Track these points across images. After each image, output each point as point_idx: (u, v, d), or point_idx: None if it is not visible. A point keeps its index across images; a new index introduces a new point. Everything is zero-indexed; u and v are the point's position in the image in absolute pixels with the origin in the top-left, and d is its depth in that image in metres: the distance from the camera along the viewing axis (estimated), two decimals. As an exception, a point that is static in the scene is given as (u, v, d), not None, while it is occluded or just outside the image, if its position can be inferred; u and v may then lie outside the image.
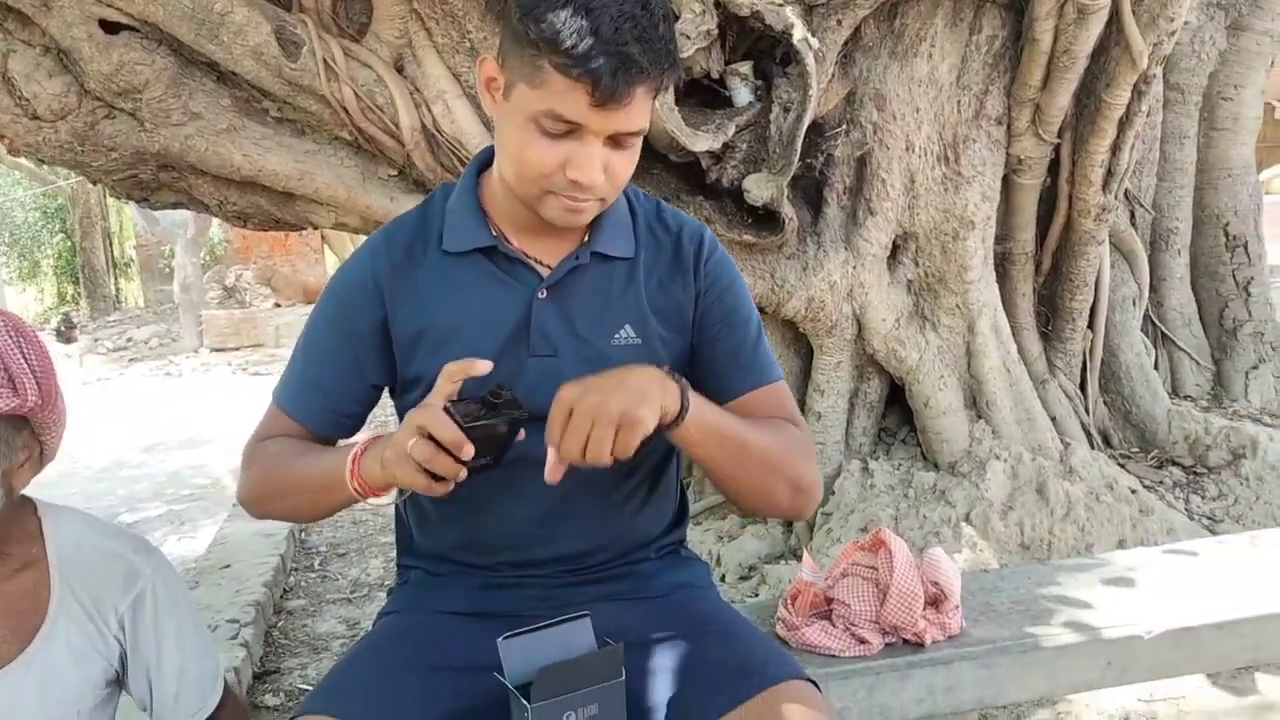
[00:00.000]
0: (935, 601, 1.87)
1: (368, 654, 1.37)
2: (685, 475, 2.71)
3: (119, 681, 1.37)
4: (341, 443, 1.44)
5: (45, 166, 16.41)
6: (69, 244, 16.85)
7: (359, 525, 4.57)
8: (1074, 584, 2.08)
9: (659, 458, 1.51)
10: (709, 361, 1.50)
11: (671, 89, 2.69)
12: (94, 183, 3.25)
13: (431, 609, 1.42)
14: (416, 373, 1.40)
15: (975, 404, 3.25)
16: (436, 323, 1.37)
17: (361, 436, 1.32)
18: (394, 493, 1.55)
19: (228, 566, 3.57)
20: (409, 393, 1.42)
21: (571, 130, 1.23)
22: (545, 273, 1.40)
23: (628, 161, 1.30)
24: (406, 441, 1.12)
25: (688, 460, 1.70)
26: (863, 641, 1.85)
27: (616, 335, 1.40)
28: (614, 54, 1.17)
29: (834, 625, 1.88)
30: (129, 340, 13.38)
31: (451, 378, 1.18)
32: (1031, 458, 3.11)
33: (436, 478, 1.13)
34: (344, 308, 1.42)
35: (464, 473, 1.13)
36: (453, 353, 1.30)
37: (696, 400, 1.27)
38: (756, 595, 3.01)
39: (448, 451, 1.12)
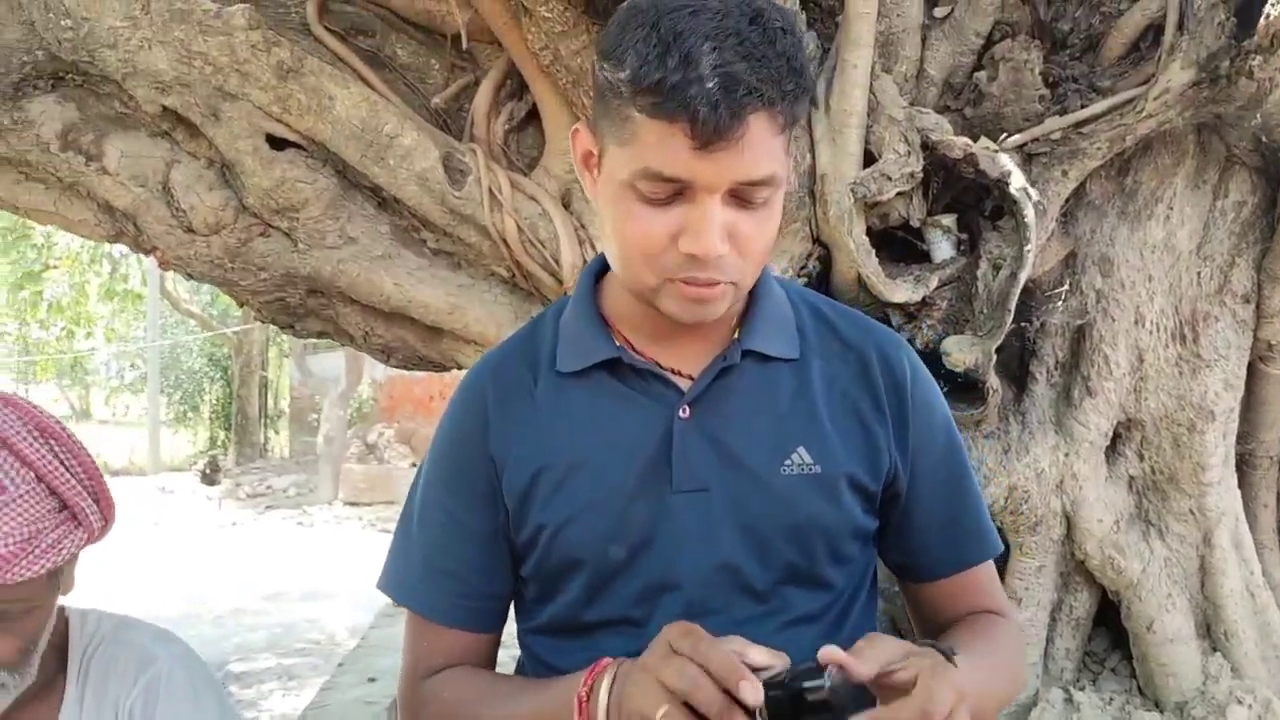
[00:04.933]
0: None
1: None
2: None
3: None
4: (543, 684, 1.07)
5: (216, 315, 17.33)
6: (228, 391, 17.50)
7: None
8: None
9: (851, 634, 1.13)
10: (917, 527, 1.13)
11: (864, 227, 2.39)
12: (241, 304, 3.13)
13: None
14: (536, 525, 1.06)
15: (1210, 633, 2.70)
16: (555, 460, 1.05)
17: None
18: None
19: (321, 736, 3.22)
20: (526, 557, 1.09)
21: (679, 190, 0.92)
22: (686, 385, 1.07)
23: (761, 226, 0.97)
24: (655, 690, 0.85)
25: None
26: None
27: (787, 461, 1.05)
28: (714, 77, 0.86)
29: None
30: (268, 487, 13.59)
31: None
32: (1284, 706, 2.53)
33: None
34: (458, 463, 1.11)
35: None
36: (575, 493, 1.02)
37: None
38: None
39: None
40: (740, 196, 0.94)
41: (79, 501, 1.04)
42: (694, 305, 0.98)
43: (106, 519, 1.09)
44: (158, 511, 12.18)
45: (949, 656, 0.87)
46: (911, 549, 1.16)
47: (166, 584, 7.77)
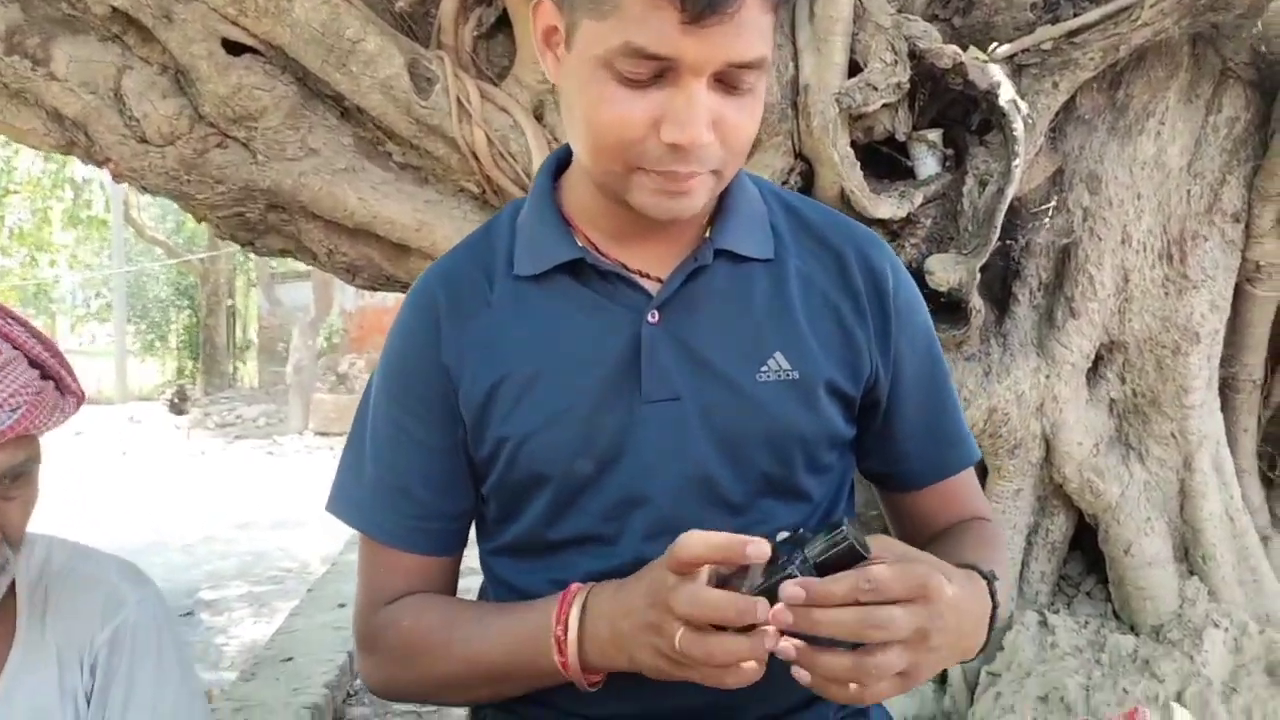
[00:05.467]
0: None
1: None
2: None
3: None
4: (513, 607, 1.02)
5: (182, 243, 17.04)
6: (195, 320, 17.28)
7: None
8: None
9: None
10: (898, 435, 1.07)
11: (848, 140, 2.30)
12: (199, 220, 3.00)
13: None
14: (496, 439, 0.99)
15: (1188, 557, 2.69)
16: (515, 370, 0.99)
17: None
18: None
19: (289, 660, 3.18)
20: (487, 474, 1.02)
21: (661, 71, 0.84)
22: (654, 288, 1.00)
23: (747, 113, 0.89)
24: (667, 641, 0.81)
25: None
26: None
27: (764, 367, 0.99)
28: None
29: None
30: (238, 417, 13.49)
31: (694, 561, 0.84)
32: (1259, 629, 2.52)
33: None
34: (409, 376, 1.04)
35: (773, 641, 0.78)
36: (538, 405, 0.95)
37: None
38: None
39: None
40: (726, 81, 0.86)
41: (60, 370, 1.03)
42: (670, 199, 0.90)
43: (80, 395, 1.07)
44: (126, 441, 12.09)
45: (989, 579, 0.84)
46: (892, 458, 1.10)
47: (135, 513, 7.71)
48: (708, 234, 1.02)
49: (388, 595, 1.06)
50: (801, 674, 0.79)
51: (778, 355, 1.00)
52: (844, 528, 0.79)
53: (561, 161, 1.07)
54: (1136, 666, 2.48)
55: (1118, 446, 2.69)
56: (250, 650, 3.67)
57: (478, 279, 1.04)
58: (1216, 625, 2.52)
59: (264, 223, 2.93)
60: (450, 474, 1.04)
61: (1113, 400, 2.69)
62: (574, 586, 0.92)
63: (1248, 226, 2.59)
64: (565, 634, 0.89)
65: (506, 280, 1.03)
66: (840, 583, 0.76)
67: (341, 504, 1.09)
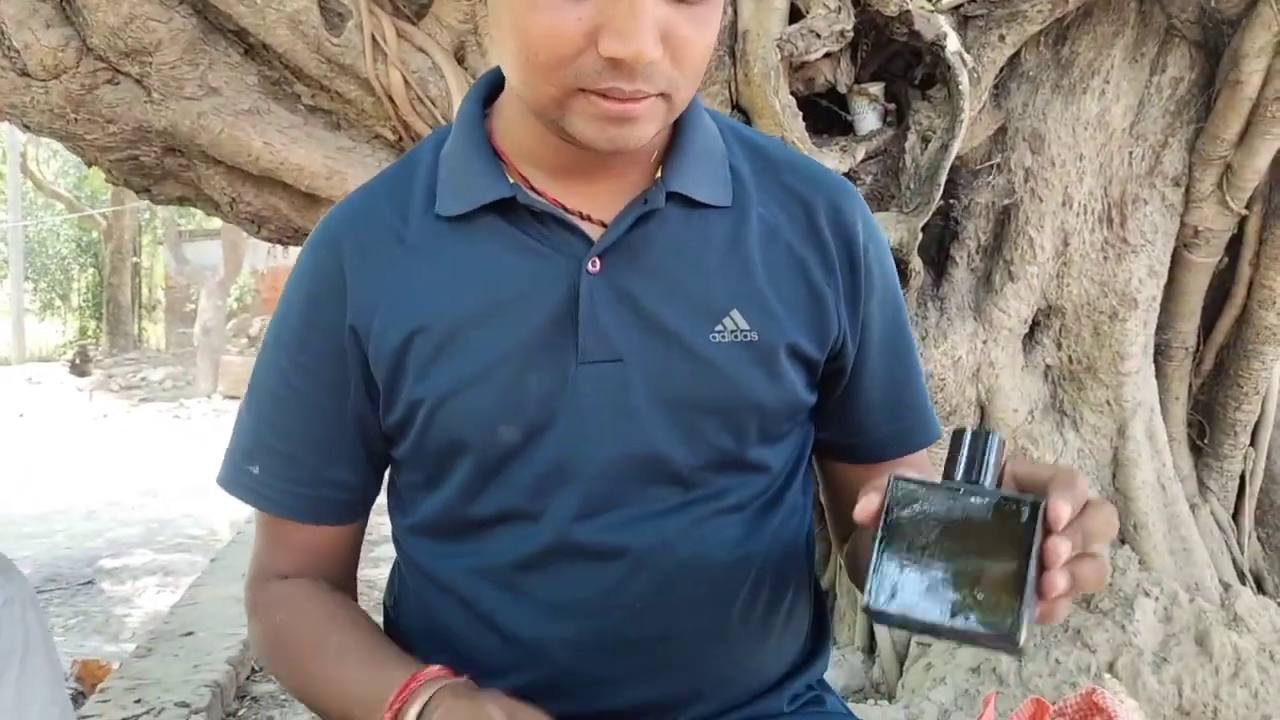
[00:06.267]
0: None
1: None
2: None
3: None
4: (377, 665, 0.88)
5: (84, 198, 16.35)
6: (98, 278, 16.65)
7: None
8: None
9: (784, 519, 0.96)
10: (862, 403, 0.96)
11: (787, 84, 2.19)
12: (89, 163, 2.78)
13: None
14: (411, 400, 0.85)
15: (1120, 525, 2.66)
16: (433, 322, 0.85)
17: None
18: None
19: (190, 634, 3.01)
20: (401, 439, 0.89)
21: None
22: (596, 234, 0.86)
23: (702, 28, 0.76)
24: None
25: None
26: None
27: (718, 326, 0.86)
28: None
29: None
30: (143, 379, 13.06)
31: None
32: (1189, 598, 2.51)
33: None
34: (303, 326, 0.90)
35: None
36: (459, 362, 0.82)
37: None
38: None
39: None
40: None
41: None
42: (612, 125, 0.77)
43: None
44: (24, 403, 11.61)
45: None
46: (852, 428, 0.99)
47: (34, 478, 7.40)
48: (659, 175, 0.89)
49: (278, 567, 0.95)
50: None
51: (734, 314, 0.87)
52: (966, 429, 0.69)
53: (493, 86, 0.93)
54: (1068, 636, 2.45)
55: (1052, 413, 2.65)
56: (154, 621, 3.50)
57: (391, 218, 0.90)
58: (1147, 594, 2.50)
59: (160, 168, 2.73)
60: (337, 437, 0.91)
61: (1048, 366, 2.65)
62: (421, 675, 0.81)
63: (1187, 191, 2.55)
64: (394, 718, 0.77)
65: (426, 220, 0.89)
66: (1076, 489, 0.67)
67: (228, 471, 0.95)
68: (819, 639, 1.04)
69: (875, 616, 0.65)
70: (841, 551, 1.07)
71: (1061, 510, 0.65)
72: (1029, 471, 0.71)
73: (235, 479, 0.94)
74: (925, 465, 1.03)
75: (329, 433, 0.91)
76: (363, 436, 0.91)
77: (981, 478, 0.68)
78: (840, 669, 2.68)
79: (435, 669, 0.81)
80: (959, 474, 0.68)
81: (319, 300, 0.89)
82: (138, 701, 2.55)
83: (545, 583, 0.88)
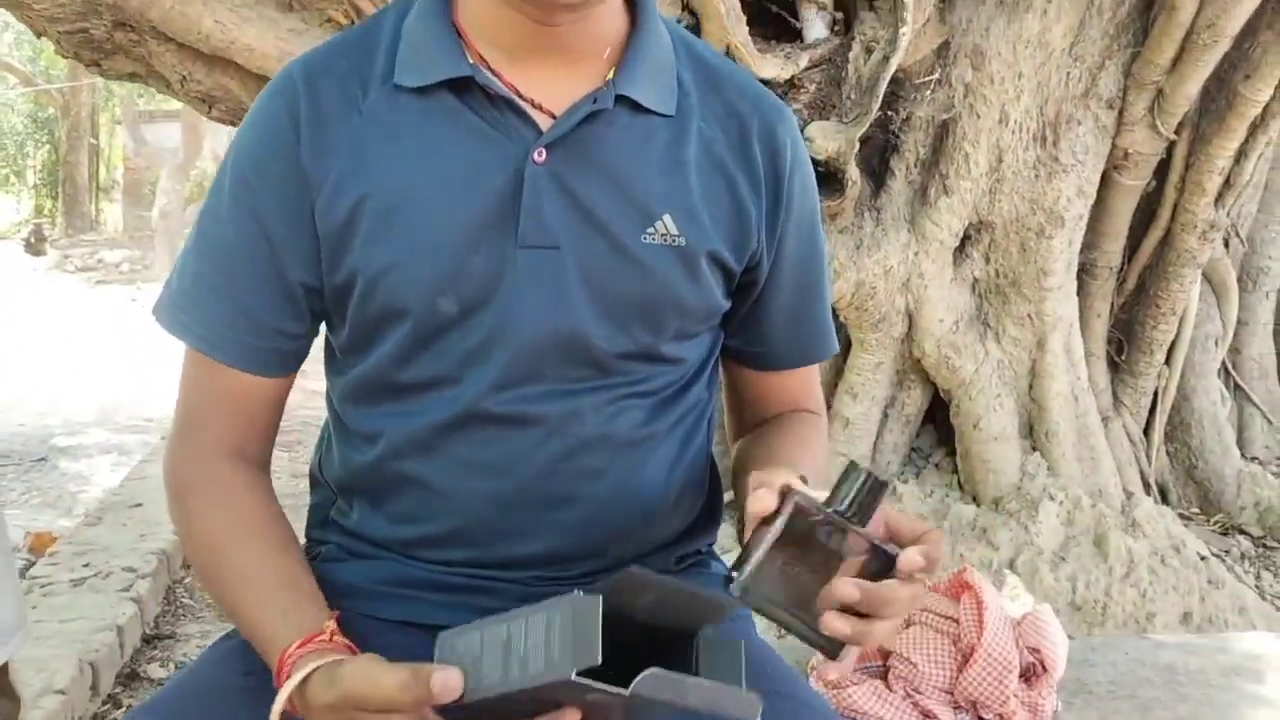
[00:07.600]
0: (1029, 675, 1.41)
1: (231, 659, 0.90)
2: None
3: None
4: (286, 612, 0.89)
5: (39, 72, 15.85)
6: (54, 156, 16.24)
7: (299, 480, 4.09)
8: (1186, 668, 1.63)
9: (688, 408, 1.03)
10: (768, 316, 1.03)
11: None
12: (38, 34, 2.76)
13: (341, 604, 0.92)
14: (355, 264, 0.90)
15: (1032, 433, 2.80)
16: (381, 189, 0.88)
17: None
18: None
19: (139, 506, 3.08)
20: (343, 303, 0.93)
21: None
22: (546, 124, 0.90)
23: None
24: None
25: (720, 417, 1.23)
26: (927, 715, 1.38)
27: (650, 228, 0.92)
28: None
29: (890, 688, 1.40)
30: (99, 261, 12.86)
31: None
32: (1091, 504, 2.65)
33: None
34: (254, 172, 0.92)
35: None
36: (404, 232, 0.86)
37: None
38: (783, 635, 2.55)
39: None
40: None
41: None
42: None
43: None
44: (-23, 280, 11.43)
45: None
46: (755, 337, 1.06)
47: (-13, 355, 7.34)
48: (610, 76, 0.94)
49: (208, 423, 0.96)
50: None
51: (666, 218, 0.92)
52: (860, 467, 0.77)
53: None
54: (975, 535, 2.60)
55: (976, 325, 2.75)
56: (98, 499, 3.56)
57: (350, 81, 0.92)
58: (1052, 498, 2.64)
59: (110, 42, 2.71)
60: (287, 285, 0.95)
61: (975, 279, 2.74)
62: (312, 639, 0.82)
63: (1120, 113, 2.62)
64: (284, 679, 0.80)
65: (384, 88, 0.91)
66: (920, 558, 0.76)
67: (169, 312, 0.96)
68: (712, 513, 1.14)
69: (740, 597, 0.75)
70: (733, 445, 1.17)
71: (914, 563, 0.76)
72: (905, 524, 0.80)
73: (179, 321, 0.95)
74: (809, 378, 1.12)
75: (278, 283, 0.92)
76: (306, 288, 0.94)
77: (864, 520, 0.77)
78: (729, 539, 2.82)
79: (315, 640, 0.83)
80: (843, 506, 0.77)
81: (274, 146, 0.91)
82: (86, 565, 2.64)
83: (463, 444, 0.94)
